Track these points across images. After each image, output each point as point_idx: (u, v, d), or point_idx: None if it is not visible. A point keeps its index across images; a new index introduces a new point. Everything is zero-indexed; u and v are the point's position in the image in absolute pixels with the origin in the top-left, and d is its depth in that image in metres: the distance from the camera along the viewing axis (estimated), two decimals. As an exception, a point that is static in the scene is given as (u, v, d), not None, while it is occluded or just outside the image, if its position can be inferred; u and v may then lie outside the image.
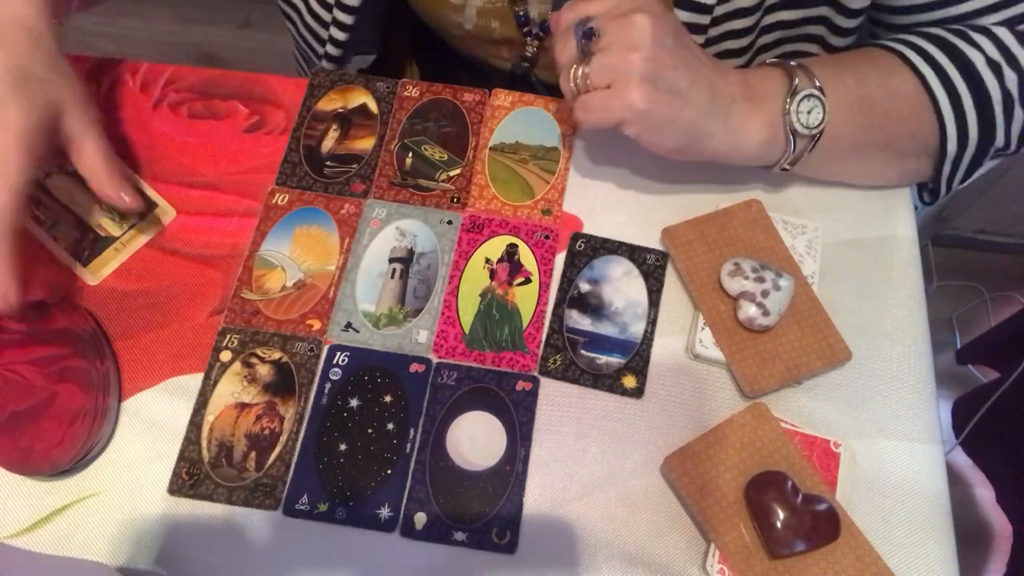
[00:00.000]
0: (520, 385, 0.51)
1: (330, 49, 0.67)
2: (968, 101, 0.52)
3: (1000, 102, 0.52)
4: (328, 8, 0.64)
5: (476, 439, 0.50)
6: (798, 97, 0.51)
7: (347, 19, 0.64)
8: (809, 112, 0.51)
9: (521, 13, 0.63)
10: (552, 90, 0.57)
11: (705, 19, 0.56)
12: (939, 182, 0.57)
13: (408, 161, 0.60)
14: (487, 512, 0.48)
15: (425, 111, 0.62)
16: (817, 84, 0.52)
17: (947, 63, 0.52)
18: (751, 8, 0.56)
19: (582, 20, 0.50)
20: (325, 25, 0.66)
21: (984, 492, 1.35)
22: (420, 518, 0.48)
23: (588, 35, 0.49)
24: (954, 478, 1.37)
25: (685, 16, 0.56)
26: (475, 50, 0.69)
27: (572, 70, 0.50)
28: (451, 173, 0.59)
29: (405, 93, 0.63)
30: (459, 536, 0.47)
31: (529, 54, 0.66)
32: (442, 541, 0.47)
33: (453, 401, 0.51)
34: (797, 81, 0.51)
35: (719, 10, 0.56)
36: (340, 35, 0.65)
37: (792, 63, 0.53)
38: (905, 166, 0.57)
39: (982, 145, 0.54)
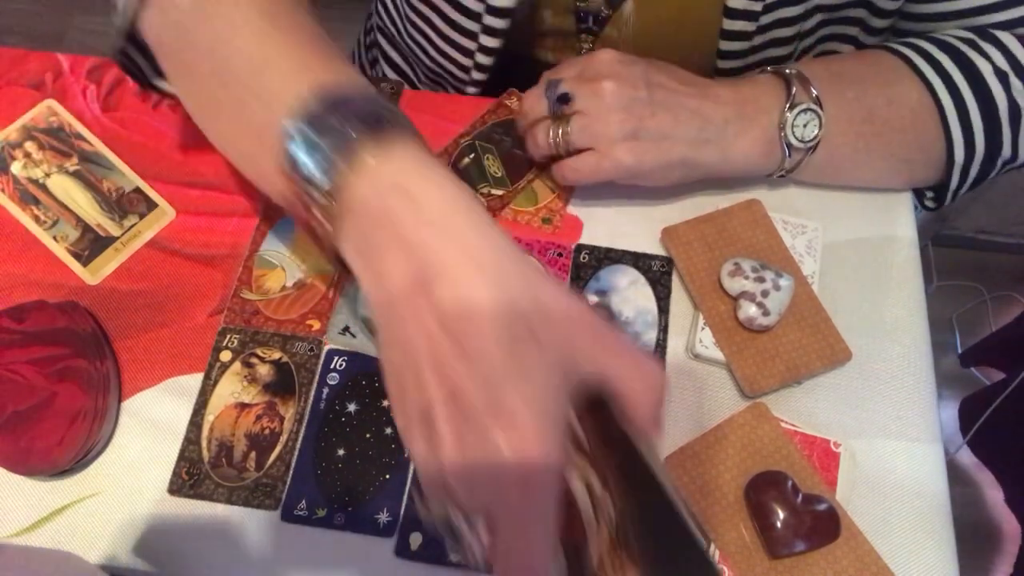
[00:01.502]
0: None
1: (481, 58, 0.62)
2: (974, 109, 0.52)
3: (1007, 112, 0.52)
4: (475, 18, 0.59)
5: None
6: (795, 111, 0.51)
7: (499, 23, 0.58)
8: (805, 126, 0.52)
9: (582, 8, 0.60)
10: None
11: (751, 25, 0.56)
12: (946, 190, 0.56)
13: (465, 160, 0.59)
14: None
15: (510, 126, 0.61)
16: (814, 95, 0.52)
17: (954, 69, 0.52)
18: (795, 17, 0.56)
19: (552, 82, 0.52)
20: (473, 36, 0.61)
21: (993, 493, 1.34)
22: (416, 538, 0.47)
23: (563, 99, 0.51)
24: (963, 479, 1.36)
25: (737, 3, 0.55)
26: (519, 42, 0.66)
27: (551, 129, 0.52)
28: (494, 191, 0.58)
29: (506, 101, 0.62)
30: (455, 557, 0.46)
31: (584, 50, 0.65)
32: (437, 562, 0.47)
33: None
34: (795, 92, 0.52)
35: (765, 19, 0.56)
36: (492, 42, 0.60)
37: (791, 72, 0.53)
38: (912, 173, 0.57)
39: (989, 155, 0.54)
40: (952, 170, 0.54)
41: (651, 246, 0.57)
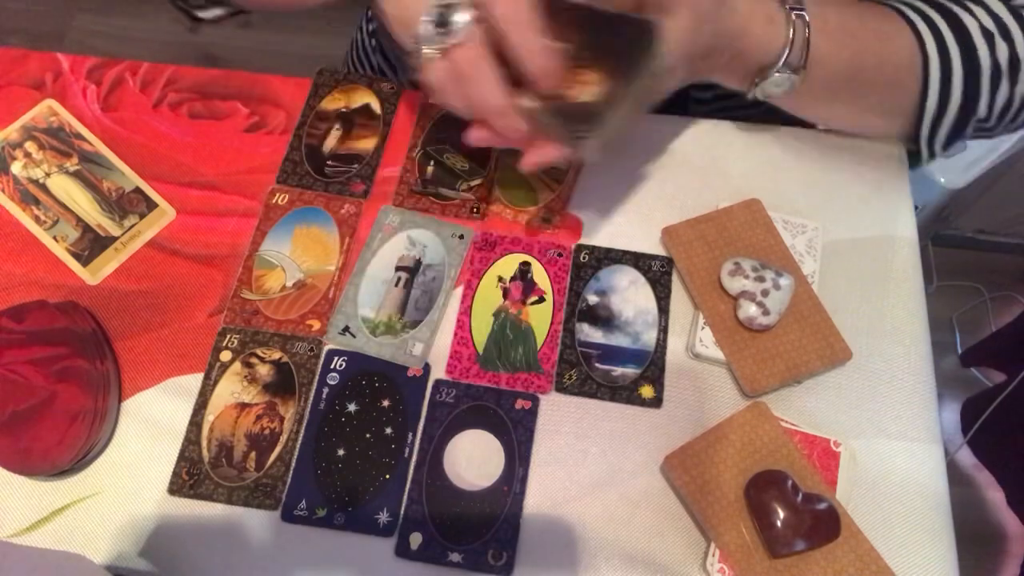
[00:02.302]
0: (519, 404, 0.51)
1: None
2: (957, 61, 0.52)
3: (988, 70, 0.52)
4: None
5: (473, 458, 0.50)
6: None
7: None
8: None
9: None
10: None
11: None
12: (919, 139, 0.56)
13: (430, 169, 0.59)
14: (484, 533, 0.47)
15: (450, 119, 0.61)
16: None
17: (942, 23, 0.53)
18: None
19: None
20: None
21: (994, 494, 1.34)
22: (416, 538, 0.47)
23: None
24: (966, 480, 1.36)
25: None
26: None
27: None
28: (472, 183, 0.59)
29: (430, 100, 0.62)
30: (455, 557, 0.47)
31: None
32: (437, 562, 0.47)
33: (451, 419, 0.51)
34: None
35: None
36: None
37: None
38: (891, 112, 0.56)
39: (965, 108, 0.54)
40: (924, 115, 0.54)
41: (651, 246, 0.57)
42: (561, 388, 0.52)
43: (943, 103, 0.54)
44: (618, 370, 0.52)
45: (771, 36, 0.51)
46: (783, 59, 0.52)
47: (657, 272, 0.55)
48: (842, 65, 0.53)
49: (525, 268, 0.56)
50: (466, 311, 0.54)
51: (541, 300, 0.55)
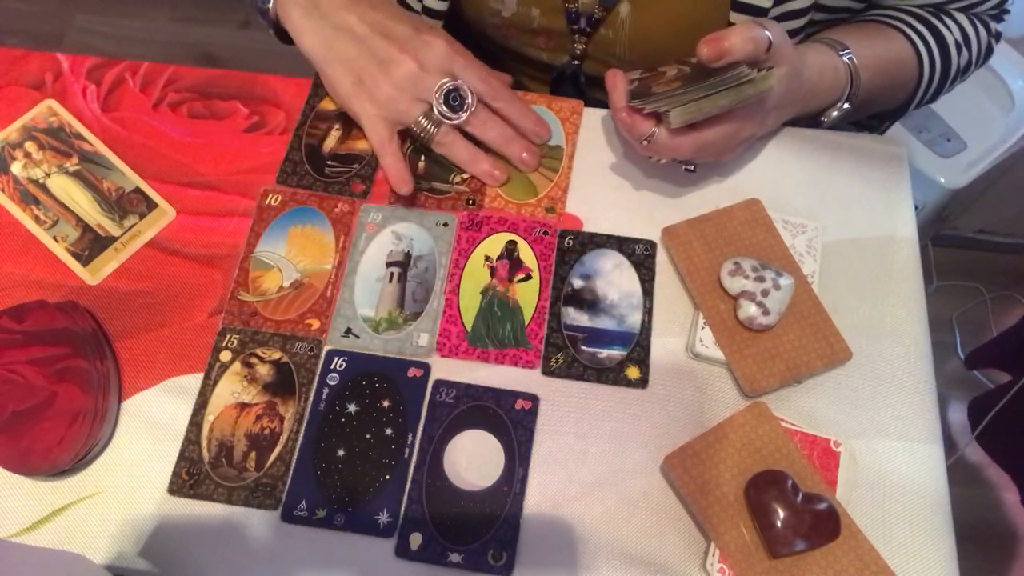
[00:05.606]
0: (519, 404, 0.51)
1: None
2: (939, 68, 0.63)
3: (952, 75, 0.64)
4: None
5: (473, 458, 0.50)
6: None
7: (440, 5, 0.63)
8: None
9: (572, 9, 0.62)
10: (598, 84, 0.57)
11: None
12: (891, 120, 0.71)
13: (420, 165, 0.60)
14: (484, 533, 0.47)
15: None
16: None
17: (931, 40, 0.63)
18: (805, 8, 0.58)
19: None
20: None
21: (1008, 495, 1.33)
22: (416, 538, 0.47)
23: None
24: (978, 480, 1.35)
25: (741, 20, 0.57)
26: (510, 39, 0.68)
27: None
28: (464, 175, 0.59)
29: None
30: (455, 558, 0.47)
31: (578, 51, 0.66)
32: (437, 563, 0.47)
33: (451, 419, 0.51)
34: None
35: (775, 12, 0.57)
36: (439, 5, 0.63)
37: (831, 39, 0.60)
38: (888, 106, 0.68)
39: (933, 99, 0.67)
40: (911, 102, 0.67)
41: (639, 236, 0.57)
42: (548, 371, 0.52)
43: (922, 98, 0.66)
44: (604, 352, 0.52)
45: (836, 82, 0.59)
46: (845, 98, 0.60)
47: (641, 255, 0.56)
48: (875, 87, 0.61)
49: (511, 247, 0.56)
50: (454, 290, 0.55)
51: (528, 278, 0.55)
